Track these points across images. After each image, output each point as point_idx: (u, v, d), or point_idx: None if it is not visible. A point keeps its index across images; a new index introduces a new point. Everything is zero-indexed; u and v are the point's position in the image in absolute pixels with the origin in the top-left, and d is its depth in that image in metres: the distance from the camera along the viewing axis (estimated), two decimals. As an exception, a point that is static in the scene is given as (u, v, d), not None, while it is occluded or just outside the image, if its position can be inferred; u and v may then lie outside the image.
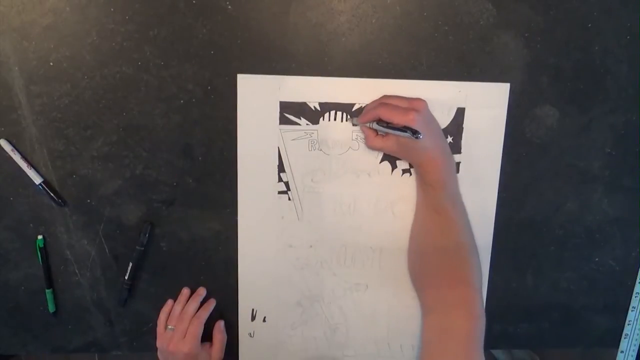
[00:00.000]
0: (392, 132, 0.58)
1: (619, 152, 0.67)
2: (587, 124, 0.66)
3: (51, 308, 0.68)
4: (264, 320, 0.69)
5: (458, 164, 0.65)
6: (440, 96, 0.63)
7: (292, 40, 0.61)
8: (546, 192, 0.68)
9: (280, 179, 0.65)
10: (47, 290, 0.67)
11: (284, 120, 0.63)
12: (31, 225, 0.65)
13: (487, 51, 0.62)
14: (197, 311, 0.67)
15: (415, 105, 0.58)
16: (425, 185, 0.62)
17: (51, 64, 0.60)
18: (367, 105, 0.63)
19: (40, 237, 0.65)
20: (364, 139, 0.63)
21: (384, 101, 0.61)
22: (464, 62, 0.62)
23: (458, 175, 0.65)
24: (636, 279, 0.72)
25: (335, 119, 0.63)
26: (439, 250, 0.61)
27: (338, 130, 0.64)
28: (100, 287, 0.68)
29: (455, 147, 0.65)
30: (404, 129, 0.56)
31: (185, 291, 0.68)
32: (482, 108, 0.64)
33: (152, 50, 0.60)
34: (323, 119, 0.63)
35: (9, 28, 0.59)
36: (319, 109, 0.63)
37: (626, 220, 0.69)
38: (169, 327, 0.66)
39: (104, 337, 0.70)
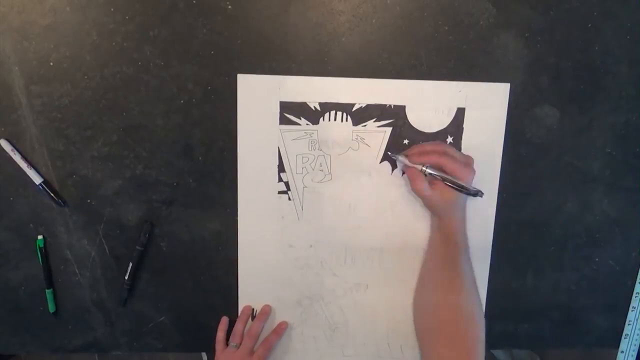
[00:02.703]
0: (455, 184, 0.58)
1: (619, 152, 0.67)
2: (587, 124, 0.66)
3: (51, 308, 0.68)
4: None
5: (458, 164, 0.65)
6: (440, 96, 0.63)
7: (292, 40, 0.61)
8: (546, 192, 0.68)
9: (280, 179, 0.65)
10: (47, 290, 0.67)
11: (284, 120, 0.63)
12: (31, 225, 0.65)
13: (487, 51, 0.62)
14: (269, 335, 0.68)
15: (471, 163, 0.61)
16: (448, 243, 0.62)
17: (51, 64, 0.60)
18: (417, 146, 0.62)
19: (40, 237, 0.65)
20: (410, 181, 0.61)
21: (446, 151, 0.59)
22: (464, 62, 0.62)
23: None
24: (636, 279, 0.72)
25: (335, 119, 0.63)
26: (447, 306, 0.61)
27: (338, 130, 0.64)
28: (100, 287, 0.68)
29: (456, 147, 0.65)
30: (463, 186, 0.58)
31: (248, 309, 0.69)
32: (482, 108, 0.64)
33: (152, 50, 0.60)
34: (323, 119, 0.63)
35: (9, 28, 0.59)
36: (319, 109, 0.63)
37: (626, 220, 0.69)
38: (232, 344, 0.67)
39: (104, 337, 0.70)
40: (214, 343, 0.69)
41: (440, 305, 0.62)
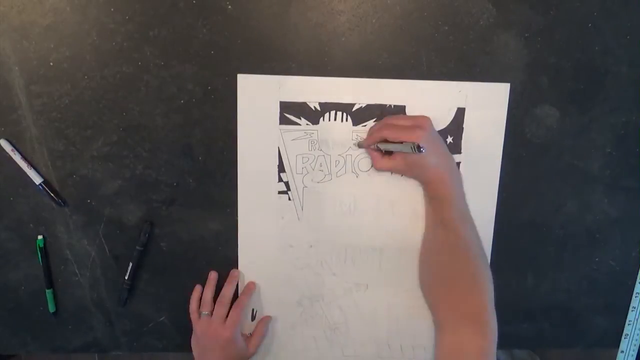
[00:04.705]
0: (396, 149, 0.59)
1: (619, 152, 0.67)
2: (587, 124, 0.66)
3: (51, 308, 0.68)
4: (264, 320, 0.70)
5: (458, 163, 0.65)
6: (440, 96, 0.63)
7: (292, 40, 0.61)
8: (546, 192, 0.68)
9: (280, 179, 0.65)
10: (47, 290, 0.67)
11: (284, 120, 0.63)
12: (31, 225, 0.65)
13: (487, 51, 0.62)
14: (238, 298, 0.67)
15: (420, 122, 0.59)
16: (433, 201, 0.62)
17: (51, 64, 0.60)
18: (370, 127, 0.63)
19: (40, 237, 0.65)
20: (372, 161, 0.64)
21: (387, 122, 0.61)
22: (464, 62, 0.62)
23: (458, 175, 0.65)
24: (636, 279, 0.72)
25: (335, 119, 0.63)
26: (449, 265, 0.61)
27: (338, 130, 0.64)
28: (100, 287, 0.68)
29: (455, 147, 0.65)
30: (408, 145, 0.56)
31: (213, 275, 0.67)
32: (482, 108, 0.64)
33: (152, 50, 0.60)
34: (323, 119, 0.63)
35: (9, 28, 0.59)
36: (319, 109, 0.63)
37: (626, 220, 0.69)
38: (203, 312, 0.65)
39: (104, 337, 0.70)
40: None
41: (440, 265, 0.62)
